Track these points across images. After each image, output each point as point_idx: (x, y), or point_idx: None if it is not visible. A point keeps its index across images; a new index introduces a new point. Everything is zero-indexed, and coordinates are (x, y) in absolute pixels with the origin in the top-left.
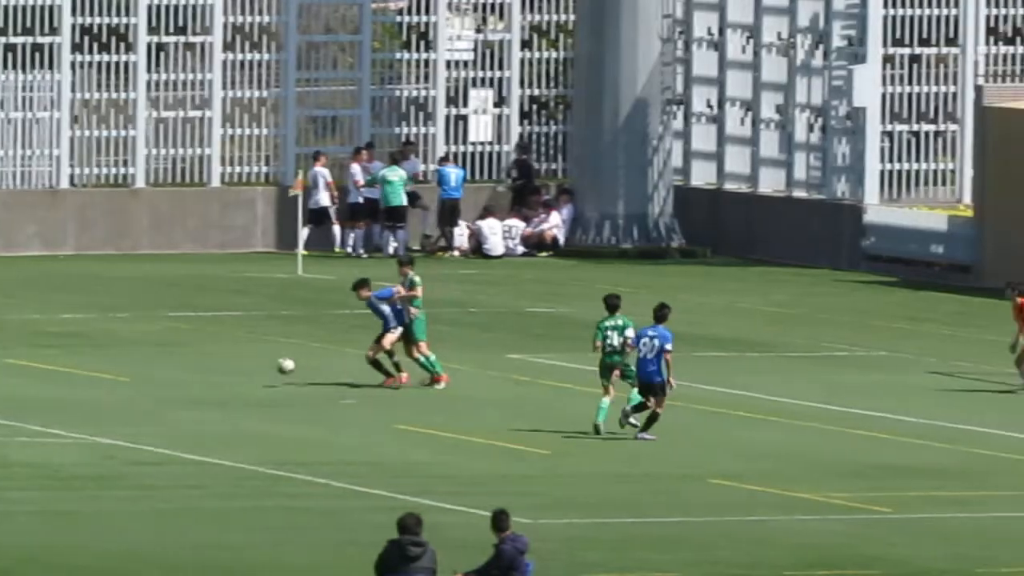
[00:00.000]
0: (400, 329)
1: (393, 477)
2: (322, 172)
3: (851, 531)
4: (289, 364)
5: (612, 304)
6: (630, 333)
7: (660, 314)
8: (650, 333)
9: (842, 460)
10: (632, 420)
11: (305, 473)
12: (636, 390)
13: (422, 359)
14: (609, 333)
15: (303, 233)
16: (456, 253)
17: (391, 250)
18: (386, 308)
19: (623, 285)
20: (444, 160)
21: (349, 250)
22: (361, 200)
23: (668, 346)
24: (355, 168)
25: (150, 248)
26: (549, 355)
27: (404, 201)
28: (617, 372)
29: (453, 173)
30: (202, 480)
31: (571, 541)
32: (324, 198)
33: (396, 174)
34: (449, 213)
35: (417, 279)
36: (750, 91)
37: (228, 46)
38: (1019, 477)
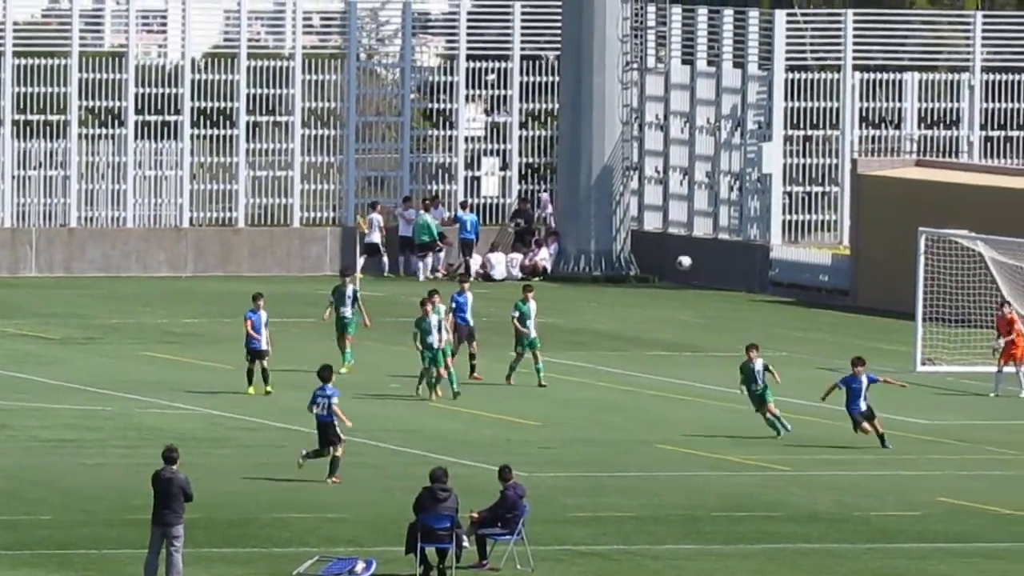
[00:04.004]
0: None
1: (427, 441)
2: (377, 217)
3: (761, 484)
4: (687, 261)
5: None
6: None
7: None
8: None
9: (753, 431)
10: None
11: (363, 437)
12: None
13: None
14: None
15: (360, 261)
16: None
17: (421, 276)
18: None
19: (595, 303)
20: (464, 206)
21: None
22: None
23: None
24: (410, 213)
25: (248, 272)
26: (541, 352)
27: (429, 239)
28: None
29: (468, 219)
30: (286, 441)
31: (557, 489)
32: (376, 236)
33: (428, 218)
34: (465, 248)
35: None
36: (687, 161)
37: (305, 124)
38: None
